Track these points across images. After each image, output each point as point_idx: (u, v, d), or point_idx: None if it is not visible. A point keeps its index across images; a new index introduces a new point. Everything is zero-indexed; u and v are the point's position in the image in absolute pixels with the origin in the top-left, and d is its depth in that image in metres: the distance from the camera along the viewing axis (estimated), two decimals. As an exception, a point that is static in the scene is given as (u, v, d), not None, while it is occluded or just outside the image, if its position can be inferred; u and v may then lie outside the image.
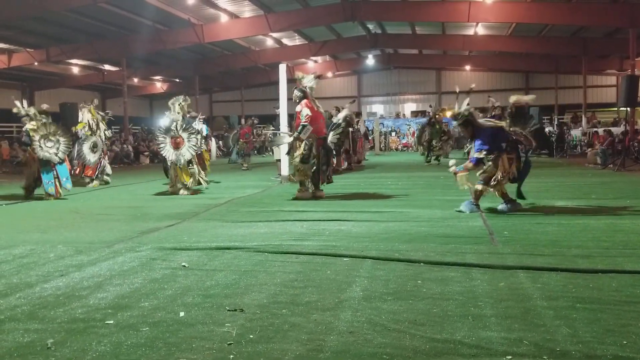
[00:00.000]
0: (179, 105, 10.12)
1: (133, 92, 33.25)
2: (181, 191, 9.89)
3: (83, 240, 5.53)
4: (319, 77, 9.15)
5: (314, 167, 8.59)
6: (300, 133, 8.46)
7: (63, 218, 7.22)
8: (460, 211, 6.75)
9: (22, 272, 4.21)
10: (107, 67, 29.24)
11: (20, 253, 4.91)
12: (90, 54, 24.49)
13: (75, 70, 29.14)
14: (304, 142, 8.50)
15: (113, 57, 25.19)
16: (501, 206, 6.80)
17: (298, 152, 8.59)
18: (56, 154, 9.24)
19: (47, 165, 9.26)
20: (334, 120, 10.10)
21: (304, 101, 8.59)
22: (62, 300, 3.44)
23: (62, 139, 9.40)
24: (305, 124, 8.38)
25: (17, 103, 9.66)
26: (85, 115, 12.25)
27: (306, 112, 8.45)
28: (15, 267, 4.37)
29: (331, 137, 9.13)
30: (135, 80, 32.06)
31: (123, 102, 24.02)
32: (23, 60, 23.78)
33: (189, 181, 9.96)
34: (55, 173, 9.33)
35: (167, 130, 9.92)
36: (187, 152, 9.85)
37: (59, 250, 4.97)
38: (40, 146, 9.15)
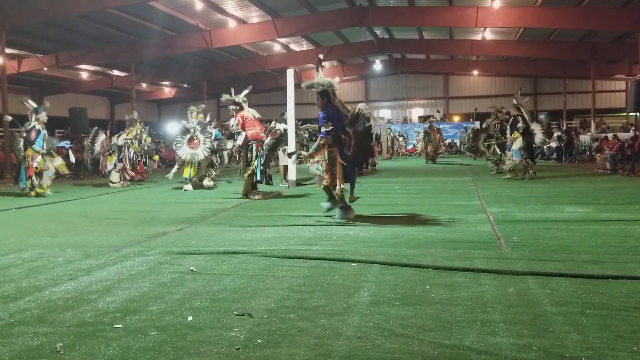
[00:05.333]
0: (196, 112, 11.74)
1: (141, 97, 33.43)
2: (185, 186, 11.38)
3: (92, 244, 5.56)
4: (249, 92, 10.27)
5: (253, 168, 9.34)
6: (236, 140, 9.67)
7: (72, 222, 7.26)
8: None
9: (31, 275, 4.24)
10: (115, 72, 29.45)
11: (30, 257, 4.94)
12: (99, 59, 24.66)
13: (85, 75, 29.36)
14: (246, 148, 9.45)
15: (122, 62, 25.39)
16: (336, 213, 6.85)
17: (247, 157, 9.45)
18: None
19: None
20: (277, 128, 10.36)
21: (239, 113, 9.60)
22: (71, 304, 3.46)
23: None
24: (238, 130, 9.47)
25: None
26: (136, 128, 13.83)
27: (233, 122, 9.59)
28: (25, 271, 4.39)
29: (268, 141, 9.56)
30: (144, 85, 32.24)
31: (131, 107, 24.11)
32: (32, 66, 23.95)
33: (192, 177, 11.42)
34: None
35: (186, 132, 11.42)
36: (201, 153, 11.40)
37: (68, 254, 5.00)
38: None
